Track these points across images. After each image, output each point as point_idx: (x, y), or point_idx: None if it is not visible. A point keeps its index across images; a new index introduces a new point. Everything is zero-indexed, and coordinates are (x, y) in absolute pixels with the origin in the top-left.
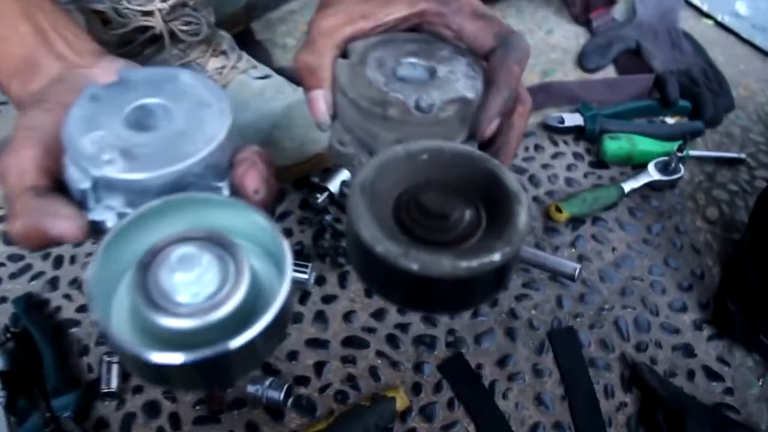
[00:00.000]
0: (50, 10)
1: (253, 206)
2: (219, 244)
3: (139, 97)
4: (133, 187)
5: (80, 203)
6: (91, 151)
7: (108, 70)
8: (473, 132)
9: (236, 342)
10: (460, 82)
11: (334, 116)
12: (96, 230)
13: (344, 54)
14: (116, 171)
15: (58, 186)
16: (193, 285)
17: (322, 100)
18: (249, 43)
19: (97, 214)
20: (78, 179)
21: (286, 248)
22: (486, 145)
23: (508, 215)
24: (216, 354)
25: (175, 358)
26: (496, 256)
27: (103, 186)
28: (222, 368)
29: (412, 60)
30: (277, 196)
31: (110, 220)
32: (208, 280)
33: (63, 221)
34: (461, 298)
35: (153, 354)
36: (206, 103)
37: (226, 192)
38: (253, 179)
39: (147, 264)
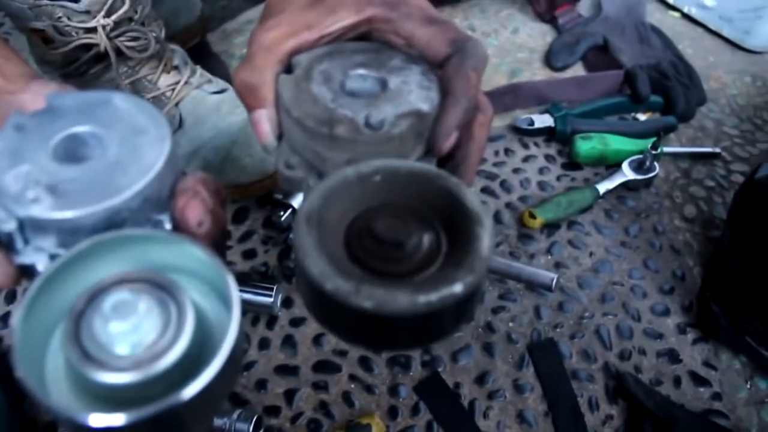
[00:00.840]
0: None
1: (193, 240)
2: (158, 285)
3: (69, 125)
4: (64, 227)
5: (7, 246)
6: (15, 189)
7: (38, 95)
8: (430, 147)
9: (186, 393)
10: (414, 93)
11: (280, 137)
12: (27, 274)
13: (288, 68)
14: (43, 210)
15: None
16: (131, 334)
17: (265, 120)
18: (205, 56)
19: (26, 257)
20: (2, 220)
21: (231, 284)
22: (445, 160)
23: (469, 240)
24: (164, 409)
25: (118, 419)
26: (458, 287)
27: (30, 226)
28: (173, 423)
29: (362, 71)
30: (225, 229)
31: (41, 263)
32: (147, 327)
33: None
34: (423, 335)
35: (92, 416)
36: (142, 129)
37: (168, 225)
38: (195, 211)
39: (79, 314)
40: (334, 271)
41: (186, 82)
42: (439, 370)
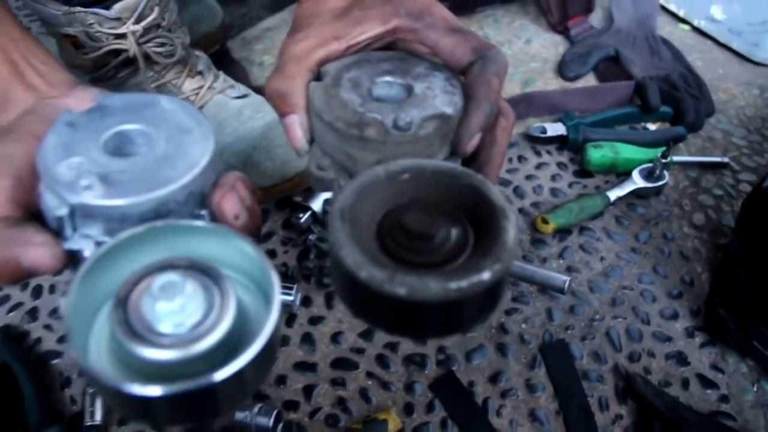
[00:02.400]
0: (20, 39)
1: (238, 233)
2: (203, 272)
3: (117, 123)
4: (112, 214)
5: (56, 232)
6: (68, 178)
7: (81, 99)
8: (455, 148)
9: (222, 374)
10: (438, 98)
11: (312, 141)
12: (73, 260)
13: (317, 77)
14: (95, 197)
15: (30, 218)
16: (176, 314)
17: (297, 125)
18: (225, 63)
19: (74, 243)
20: (54, 206)
21: (274, 275)
22: (468, 163)
23: (495, 232)
24: (201, 387)
25: (156, 390)
26: (486, 275)
27: (80, 213)
28: (207, 402)
29: (388, 78)
30: (259, 226)
31: (88, 249)
32: (192, 309)
33: (37, 250)
34: (452, 322)
35: (134, 386)
36: (187, 128)
37: (207, 220)
38: (231, 204)
39: (128, 293)
40: (368, 260)
41: (209, 87)
42: (454, 368)
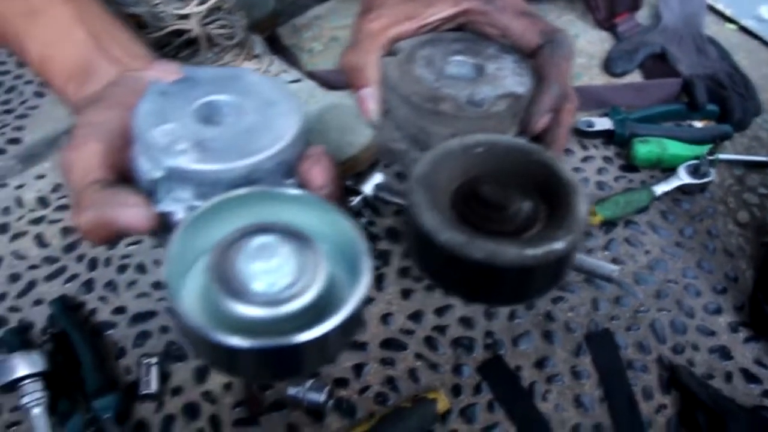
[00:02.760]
0: (103, 15)
1: (330, 202)
2: (297, 237)
3: (207, 93)
4: (205, 179)
5: (148, 195)
6: (163, 142)
7: (163, 71)
8: (524, 127)
9: (307, 335)
10: (509, 78)
11: (384, 113)
12: (164, 223)
13: (390, 54)
14: (190, 161)
15: (121, 181)
16: (271, 274)
17: (371, 98)
18: (276, 49)
19: (165, 206)
20: (148, 169)
21: (364, 246)
22: (534, 141)
23: (566, 206)
24: (286, 345)
25: (244, 342)
26: (560, 245)
27: (174, 177)
28: (290, 361)
29: (459, 58)
30: (341, 199)
31: (179, 212)
32: (285, 271)
33: (131, 211)
34: (522, 289)
35: (223, 336)
36: (274, 101)
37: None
38: (319, 174)
39: (226, 249)
40: (447, 225)
41: (265, 71)
42: (501, 353)
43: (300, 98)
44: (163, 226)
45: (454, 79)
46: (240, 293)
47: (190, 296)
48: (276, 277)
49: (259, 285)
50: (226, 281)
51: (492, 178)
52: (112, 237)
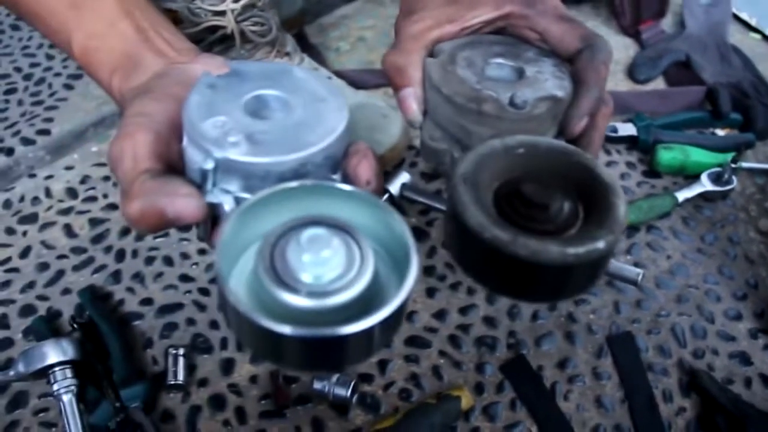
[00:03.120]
0: (147, 8)
1: (379, 198)
2: (346, 231)
3: (255, 88)
4: (255, 171)
5: (197, 186)
6: (214, 134)
7: (209, 65)
8: (563, 129)
9: (352, 329)
10: (549, 81)
11: (425, 113)
12: (212, 213)
13: (431, 55)
14: (241, 153)
15: (169, 171)
16: (319, 267)
17: (412, 97)
18: (303, 47)
19: (213, 197)
20: (199, 160)
21: (412, 243)
22: (571, 143)
23: (606, 207)
24: (330, 336)
25: (288, 329)
26: (601, 244)
27: (223, 168)
28: (333, 352)
29: (500, 60)
30: (382, 194)
31: (227, 204)
32: (333, 264)
33: (181, 200)
34: (561, 286)
35: (269, 322)
36: (321, 97)
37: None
38: (366, 170)
39: (276, 240)
40: (491, 222)
41: None
42: (524, 353)
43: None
44: (213, 217)
45: (495, 81)
46: (288, 283)
47: (239, 284)
48: (324, 270)
49: (307, 276)
50: (275, 271)
51: (533, 178)
52: (162, 226)
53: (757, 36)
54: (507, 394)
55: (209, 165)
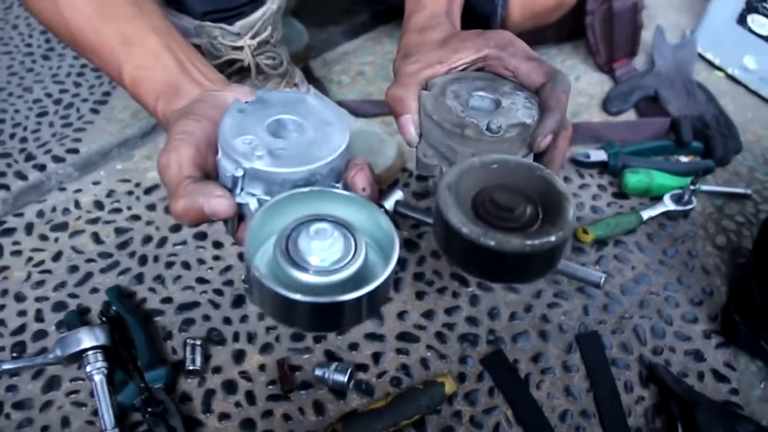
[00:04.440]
0: (184, 44)
1: (369, 201)
2: (344, 226)
3: (276, 113)
4: (275, 179)
5: (229, 190)
6: (244, 149)
7: (238, 93)
8: (531, 145)
9: (347, 297)
10: (520, 111)
11: (420, 135)
12: (239, 213)
13: (424, 88)
14: (264, 165)
15: (206, 178)
16: (324, 252)
17: (410, 123)
18: (308, 80)
19: (242, 199)
20: (231, 169)
21: (396, 235)
22: (536, 161)
23: (559, 210)
24: (331, 302)
25: (299, 297)
26: (552, 238)
27: (250, 176)
28: (334, 315)
29: (481, 93)
30: (376, 200)
31: (252, 204)
32: (335, 250)
33: (218, 200)
34: (523, 271)
35: (286, 291)
36: (329, 121)
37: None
38: (362, 180)
39: (290, 232)
40: (468, 220)
41: None
42: (502, 348)
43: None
44: (237, 216)
45: (477, 110)
46: (299, 264)
47: (262, 265)
48: (327, 254)
49: (314, 259)
50: (290, 255)
51: (503, 187)
52: (201, 220)
53: (721, 74)
54: (486, 383)
55: (239, 173)
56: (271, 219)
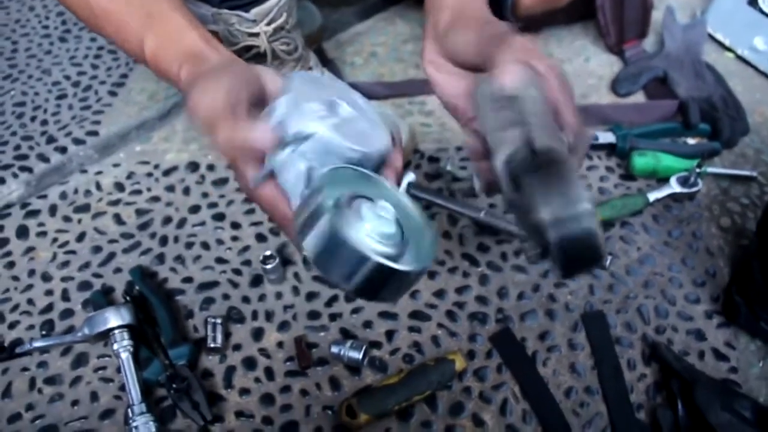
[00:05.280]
0: (204, 29)
1: (415, 208)
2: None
3: (332, 95)
4: (336, 151)
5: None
6: (313, 114)
7: (266, 72)
8: None
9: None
10: None
11: None
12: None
13: None
14: (330, 130)
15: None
16: (383, 229)
17: None
18: (321, 61)
19: (288, 157)
20: (294, 129)
21: (424, 220)
22: None
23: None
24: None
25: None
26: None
27: (313, 140)
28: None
29: None
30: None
31: (300, 165)
32: (392, 232)
33: (259, 132)
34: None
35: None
36: (372, 118)
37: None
38: (390, 175)
39: (354, 198)
40: None
41: None
42: (510, 326)
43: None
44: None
45: None
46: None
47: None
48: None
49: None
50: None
51: None
52: (242, 152)
53: (730, 55)
54: (495, 360)
55: (305, 133)
56: (330, 182)
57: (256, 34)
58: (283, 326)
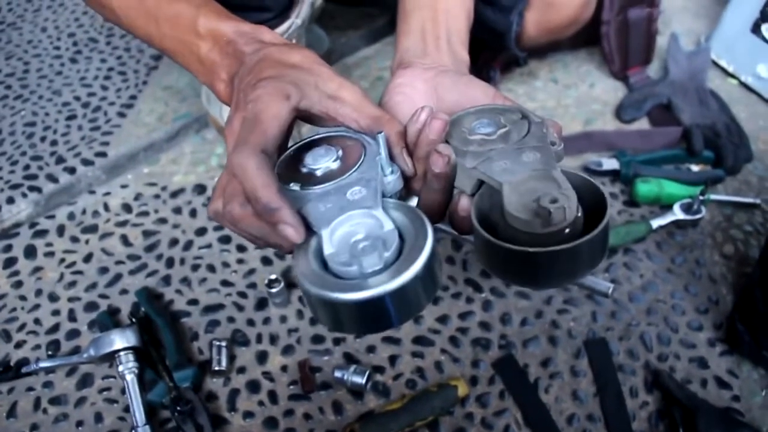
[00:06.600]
0: None
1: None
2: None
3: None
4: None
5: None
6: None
7: (302, 53)
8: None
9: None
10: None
11: None
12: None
13: None
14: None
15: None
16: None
17: None
18: None
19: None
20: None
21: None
22: None
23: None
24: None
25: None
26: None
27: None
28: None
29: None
30: None
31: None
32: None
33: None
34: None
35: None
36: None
37: None
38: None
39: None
40: None
41: None
42: (513, 352)
43: None
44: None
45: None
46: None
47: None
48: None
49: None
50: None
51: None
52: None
53: (734, 81)
54: (497, 386)
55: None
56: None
57: None
58: (288, 350)
